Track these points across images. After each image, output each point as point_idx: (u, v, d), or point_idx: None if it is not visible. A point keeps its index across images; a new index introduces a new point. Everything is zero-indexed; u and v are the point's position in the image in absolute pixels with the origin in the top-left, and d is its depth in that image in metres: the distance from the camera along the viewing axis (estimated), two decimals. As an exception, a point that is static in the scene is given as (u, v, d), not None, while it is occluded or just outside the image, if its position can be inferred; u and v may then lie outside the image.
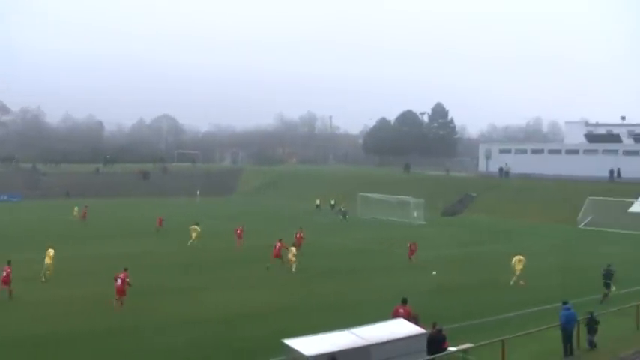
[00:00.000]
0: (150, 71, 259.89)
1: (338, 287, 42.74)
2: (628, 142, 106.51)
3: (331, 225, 79.12)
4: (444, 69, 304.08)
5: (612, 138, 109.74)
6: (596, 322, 27.80)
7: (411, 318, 25.96)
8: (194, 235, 60.67)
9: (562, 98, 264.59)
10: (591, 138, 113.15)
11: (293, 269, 47.51)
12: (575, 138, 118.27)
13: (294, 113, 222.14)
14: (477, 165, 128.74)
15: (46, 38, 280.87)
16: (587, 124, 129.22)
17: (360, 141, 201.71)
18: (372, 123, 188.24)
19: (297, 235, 57.20)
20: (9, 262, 38.07)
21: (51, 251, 43.53)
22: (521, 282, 43.53)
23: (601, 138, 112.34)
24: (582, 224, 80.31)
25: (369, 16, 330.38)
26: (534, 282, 44.03)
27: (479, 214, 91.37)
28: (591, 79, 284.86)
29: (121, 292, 35.49)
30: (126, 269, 36.64)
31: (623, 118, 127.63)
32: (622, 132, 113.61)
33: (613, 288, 39.14)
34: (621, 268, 42.93)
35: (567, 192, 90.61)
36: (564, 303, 28.15)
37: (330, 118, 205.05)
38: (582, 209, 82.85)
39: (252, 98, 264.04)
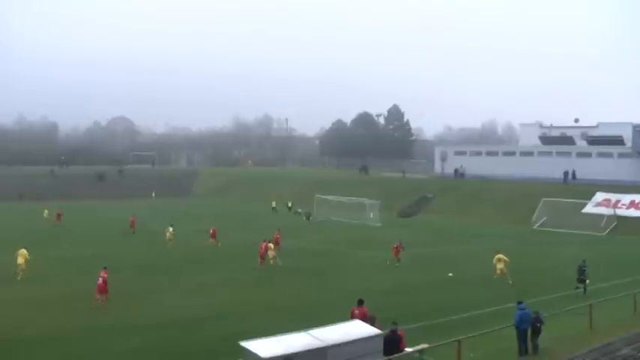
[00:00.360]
0: (105, 72, 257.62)
1: (296, 289, 42.83)
2: (581, 144, 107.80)
3: (288, 226, 78.80)
4: (399, 71, 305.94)
5: (566, 140, 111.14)
6: (541, 323, 27.82)
7: (367, 319, 25.97)
8: (168, 235, 61.61)
9: (517, 100, 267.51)
10: (545, 140, 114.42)
11: (280, 264, 50.68)
12: (530, 140, 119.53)
13: (250, 115, 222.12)
14: (433, 167, 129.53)
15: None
16: (541, 126, 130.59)
17: (317, 142, 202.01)
18: (328, 124, 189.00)
19: (276, 235, 58.18)
20: None
21: (23, 251, 44.63)
22: (498, 275, 45.09)
23: (555, 140, 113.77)
24: (537, 225, 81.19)
25: (323, 17, 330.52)
26: (490, 282, 44.40)
27: (435, 215, 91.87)
28: (545, 82, 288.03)
29: (103, 290, 36.80)
30: (105, 268, 37.97)
31: (576, 120, 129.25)
32: (575, 134, 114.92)
33: (588, 282, 41.27)
34: (574, 268, 43.26)
35: (522, 193, 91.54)
36: (519, 303, 28.34)
37: (287, 119, 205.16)
38: (537, 210, 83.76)
39: (208, 99, 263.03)
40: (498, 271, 45.05)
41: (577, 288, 41.01)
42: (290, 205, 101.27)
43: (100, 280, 36.88)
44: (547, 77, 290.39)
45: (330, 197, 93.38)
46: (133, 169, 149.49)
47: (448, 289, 42.84)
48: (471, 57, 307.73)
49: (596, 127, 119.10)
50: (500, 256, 45.64)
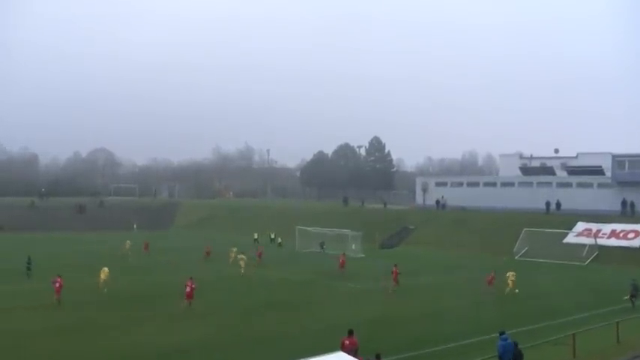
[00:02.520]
0: (86, 103, 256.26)
1: (278, 320, 42.51)
2: (561, 175, 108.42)
3: (271, 257, 78.61)
4: (380, 102, 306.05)
5: (546, 170, 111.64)
6: (521, 355, 27.60)
7: (356, 349, 25.97)
8: (232, 257, 70.85)
9: (496, 131, 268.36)
10: (526, 170, 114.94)
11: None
12: (510, 171, 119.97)
13: (231, 146, 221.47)
14: (414, 198, 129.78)
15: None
16: (521, 156, 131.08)
17: (298, 174, 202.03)
18: (309, 156, 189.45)
19: (394, 270, 55.94)
20: (59, 275, 46.83)
21: (105, 270, 52.18)
22: (516, 290, 52.09)
23: (535, 170, 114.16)
24: (519, 255, 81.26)
25: (304, 48, 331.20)
26: (473, 313, 44.48)
27: (416, 246, 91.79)
28: (525, 113, 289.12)
29: (189, 296, 44.81)
30: (191, 278, 46.15)
31: (556, 150, 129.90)
32: (555, 164, 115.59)
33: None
34: (556, 298, 43.50)
35: (503, 223, 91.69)
36: (501, 334, 28.21)
37: (268, 151, 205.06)
38: (518, 240, 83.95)
39: (189, 131, 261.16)
40: (510, 283, 52.59)
41: (632, 302, 45.39)
42: (273, 236, 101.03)
43: (188, 288, 44.95)
44: (526, 108, 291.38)
45: (311, 229, 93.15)
46: (113, 200, 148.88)
47: (431, 321, 42.76)
48: (450, 88, 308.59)
49: (576, 157, 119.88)
50: (512, 273, 53.74)
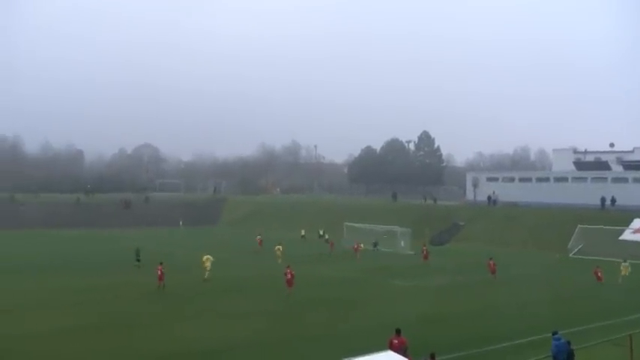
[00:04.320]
0: (131, 100, 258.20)
1: (327, 318, 42.04)
2: (617, 170, 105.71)
3: (318, 255, 77.56)
4: (430, 97, 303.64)
5: (601, 165, 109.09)
6: (572, 355, 26.70)
7: (405, 349, 25.41)
8: (279, 253, 70.49)
9: (550, 126, 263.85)
10: (580, 165, 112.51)
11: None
12: (564, 165, 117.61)
13: (277, 142, 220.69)
14: (465, 193, 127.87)
15: (22, 65, 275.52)
16: (575, 151, 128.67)
17: (345, 170, 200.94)
18: (357, 151, 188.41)
19: (491, 263, 60.10)
20: (161, 263, 51.66)
21: (209, 257, 57.21)
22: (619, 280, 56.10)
23: (590, 165, 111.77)
24: (573, 252, 79.05)
25: (354, 43, 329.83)
26: (525, 311, 43.80)
27: (467, 243, 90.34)
28: (579, 106, 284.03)
29: (290, 283, 48.97)
30: (289, 266, 50.39)
31: (611, 145, 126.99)
32: (611, 159, 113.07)
33: None
34: (613, 296, 41.75)
35: (557, 220, 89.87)
36: (554, 334, 27.52)
37: (315, 147, 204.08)
38: (573, 237, 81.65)
39: (234, 127, 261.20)
40: (622, 272, 57.04)
41: None
42: (321, 232, 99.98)
43: (289, 275, 49.14)
44: (580, 101, 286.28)
45: (359, 225, 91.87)
46: (159, 196, 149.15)
47: (482, 319, 41.77)
48: (503, 85, 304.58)
49: (632, 151, 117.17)
50: (626, 265, 57.93)
